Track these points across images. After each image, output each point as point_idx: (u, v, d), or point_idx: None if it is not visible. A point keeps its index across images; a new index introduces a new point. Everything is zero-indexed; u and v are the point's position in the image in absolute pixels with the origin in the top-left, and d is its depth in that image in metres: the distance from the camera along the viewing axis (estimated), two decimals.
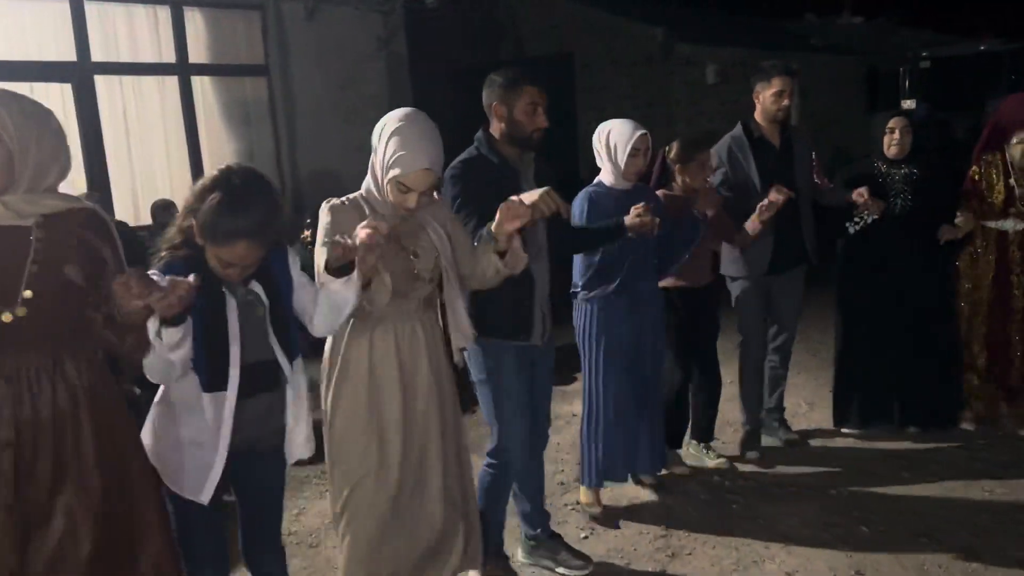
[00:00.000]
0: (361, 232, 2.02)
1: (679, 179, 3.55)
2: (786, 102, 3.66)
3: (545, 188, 2.31)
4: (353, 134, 6.81)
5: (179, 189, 5.79)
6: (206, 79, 6.41)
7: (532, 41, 13.36)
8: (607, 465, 3.40)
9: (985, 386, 4.12)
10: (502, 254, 2.35)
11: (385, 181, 2.26)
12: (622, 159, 3.15)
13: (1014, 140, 3.95)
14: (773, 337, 4.03)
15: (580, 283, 3.29)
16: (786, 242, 3.76)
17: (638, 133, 3.12)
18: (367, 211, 2.30)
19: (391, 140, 2.23)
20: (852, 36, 17.12)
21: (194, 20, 6.28)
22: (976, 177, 4.05)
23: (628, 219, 2.97)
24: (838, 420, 4.24)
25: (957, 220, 3.94)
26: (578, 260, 3.28)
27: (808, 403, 4.71)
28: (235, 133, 6.61)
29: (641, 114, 13.12)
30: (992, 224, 4.03)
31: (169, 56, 6.16)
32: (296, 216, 6.33)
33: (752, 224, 3.57)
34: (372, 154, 2.30)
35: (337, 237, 2.02)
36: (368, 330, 2.35)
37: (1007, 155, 3.99)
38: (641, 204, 2.97)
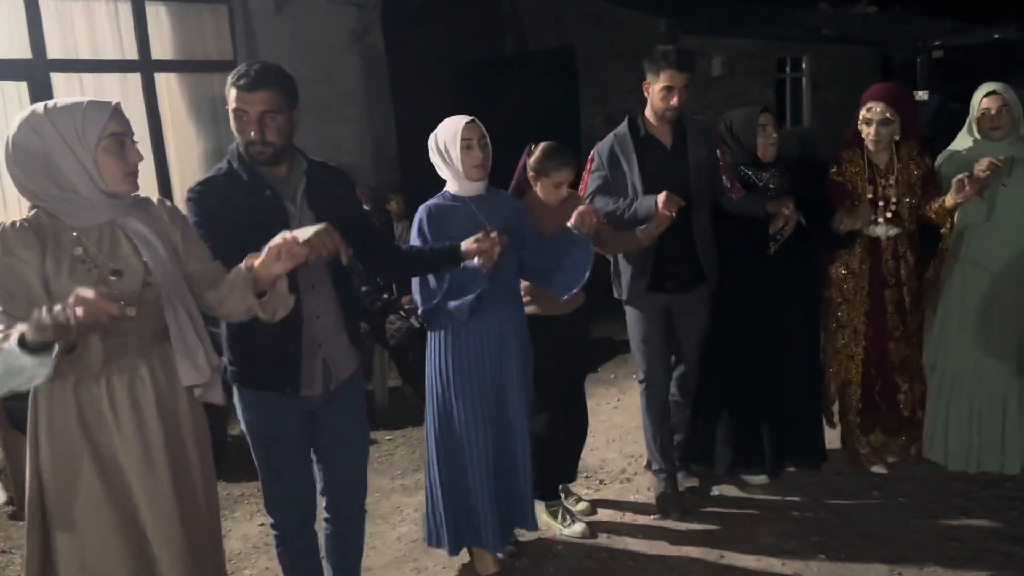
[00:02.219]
0: (80, 309, 1.53)
1: (536, 188, 3.16)
2: (675, 100, 3.11)
3: (322, 225, 1.92)
4: (328, 131, 6.60)
5: (144, 190, 5.57)
6: (171, 76, 6.20)
7: (535, 35, 13.13)
8: (455, 529, 2.93)
9: (863, 416, 3.60)
10: (262, 294, 1.96)
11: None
12: (456, 156, 2.71)
13: (861, 114, 3.40)
14: (674, 367, 3.52)
15: (421, 311, 2.81)
16: (675, 259, 3.24)
17: (464, 121, 2.69)
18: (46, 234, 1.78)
19: None
20: (866, 26, 16.67)
21: (157, 15, 6.08)
22: (838, 178, 3.49)
23: (466, 244, 2.52)
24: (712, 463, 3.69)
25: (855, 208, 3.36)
26: (416, 283, 2.81)
27: None
28: (204, 131, 6.41)
29: (643, 108, 12.83)
30: (864, 230, 3.43)
31: (131, 52, 5.95)
32: None
33: (635, 242, 3.11)
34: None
35: (45, 315, 1.52)
36: (70, 387, 1.81)
37: (865, 149, 3.45)
38: (481, 233, 2.52)
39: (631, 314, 3.40)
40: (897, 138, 3.40)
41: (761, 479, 3.57)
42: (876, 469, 3.62)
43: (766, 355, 3.47)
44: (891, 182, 3.41)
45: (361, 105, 6.92)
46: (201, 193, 2.18)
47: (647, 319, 3.34)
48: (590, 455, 3.93)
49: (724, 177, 3.32)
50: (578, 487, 3.64)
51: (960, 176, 3.19)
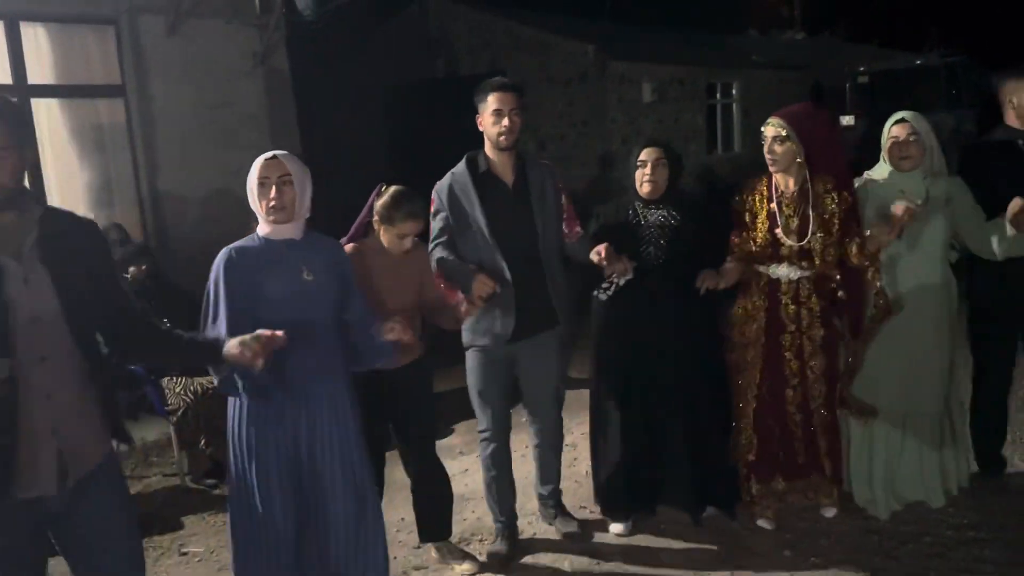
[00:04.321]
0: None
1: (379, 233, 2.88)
2: (507, 123, 2.94)
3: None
4: (229, 158, 6.19)
5: None
6: (51, 102, 5.76)
7: (466, 59, 12.96)
8: None
9: (757, 464, 3.32)
10: None
11: None
12: (254, 196, 2.37)
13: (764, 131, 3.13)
14: (528, 417, 3.32)
15: (215, 378, 2.40)
16: (526, 302, 3.03)
17: (262, 159, 2.36)
18: None
19: None
20: (795, 51, 16.90)
21: (35, 36, 5.63)
22: (739, 208, 3.24)
23: (230, 347, 2.09)
24: (605, 512, 3.47)
25: (725, 265, 3.20)
26: None
27: None
28: (88, 161, 5.95)
29: (577, 132, 12.75)
30: (762, 269, 3.18)
31: (4, 77, 5.51)
32: (156, 251, 5.69)
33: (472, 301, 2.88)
34: None
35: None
36: None
37: (773, 178, 3.17)
38: (248, 336, 2.10)
39: (470, 360, 3.17)
40: (800, 160, 3.08)
41: (619, 527, 3.36)
42: (762, 523, 3.31)
43: (670, 396, 3.23)
44: (798, 214, 3.09)
45: (264, 131, 6.54)
46: None
47: (489, 366, 3.13)
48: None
49: (564, 221, 3.16)
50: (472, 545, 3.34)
51: (877, 223, 3.03)
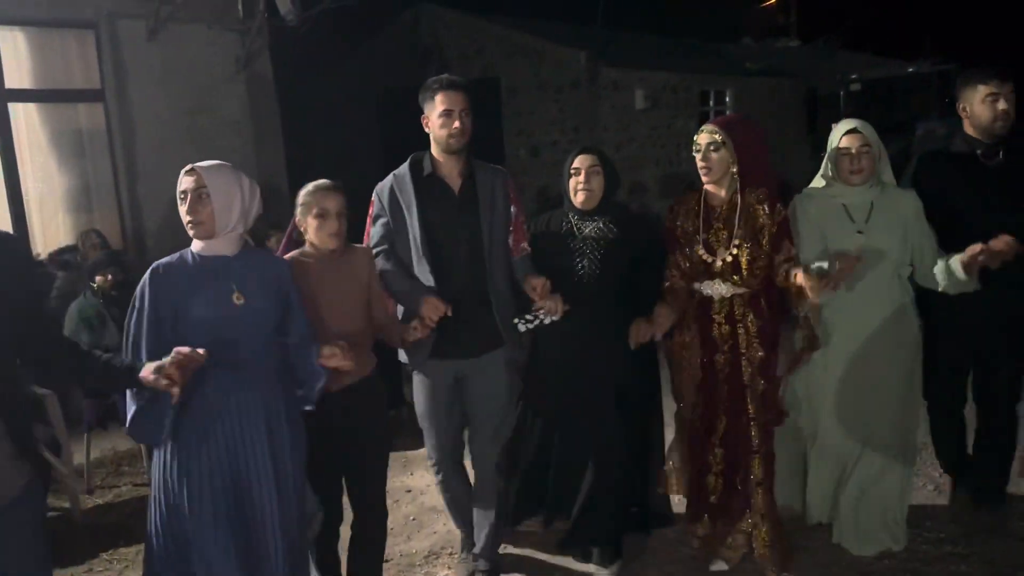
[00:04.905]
0: None
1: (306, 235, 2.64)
2: (457, 124, 2.72)
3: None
4: None
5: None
6: (30, 106, 5.71)
7: (459, 65, 12.90)
8: None
9: (694, 503, 3.10)
10: None
11: None
12: (183, 209, 2.23)
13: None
14: (469, 441, 3.07)
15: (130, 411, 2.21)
16: (466, 321, 2.78)
17: (182, 171, 2.23)
18: None
19: None
20: (790, 59, 16.87)
21: (13, 41, 5.58)
22: (671, 226, 3.01)
23: (146, 372, 2.00)
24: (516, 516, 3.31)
25: (656, 309, 2.89)
26: None
27: None
28: (67, 166, 5.90)
29: (569, 139, 12.69)
30: (695, 286, 2.95)
31: None
32: (133, 258, 5.63)
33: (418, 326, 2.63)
34: None
35: None
36: None
37: (703, 192, 2.95)
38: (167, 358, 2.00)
39: (416, 382, 2.96)
40: (733, 170, 2.86)
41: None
42: (715, 567, 3.07)
43: (597, 426, 3.01)
44: (728, 227, 2.87)
45: (247, 136, 6.49)
46: None
47: (432, 389, 2.91)
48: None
49: (511, 235, 2.90)
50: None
51: (815, 269, 2.64)
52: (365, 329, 2.70)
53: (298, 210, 2.60)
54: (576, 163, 2.96)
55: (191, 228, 2.23)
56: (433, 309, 2.61)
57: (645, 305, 2.92)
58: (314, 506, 2.58)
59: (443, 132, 2.77)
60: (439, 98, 2.75)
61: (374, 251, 2.80)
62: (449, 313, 2.63)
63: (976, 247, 2.69)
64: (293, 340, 2.36)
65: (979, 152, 3.06)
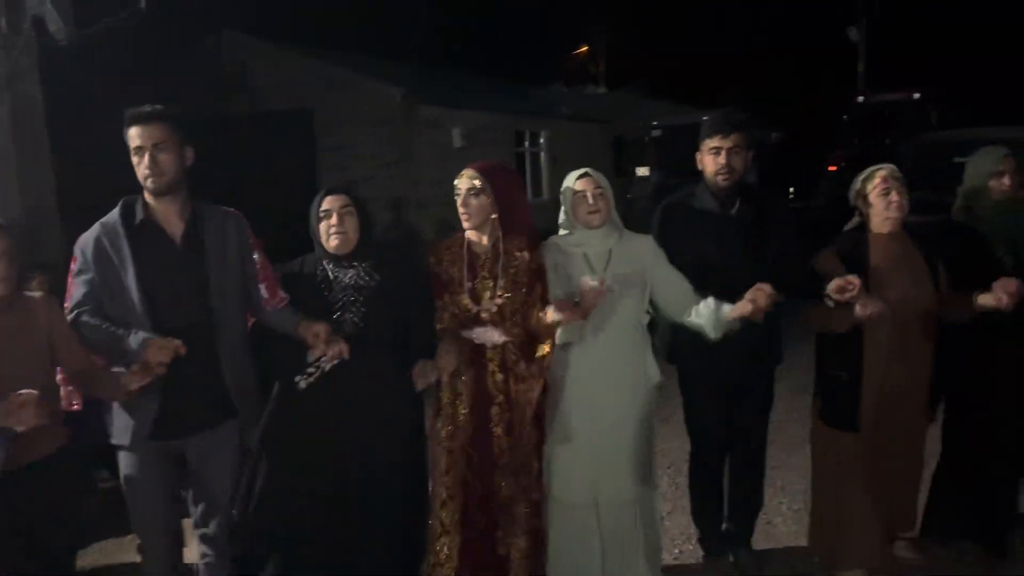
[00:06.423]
0: None
1: None
2: (148, 162, 2.39)
3: None
4: None
5: None
6: None
7: (270, 95, 12.36)
8: None
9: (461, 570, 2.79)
10: None
11: None
12: None
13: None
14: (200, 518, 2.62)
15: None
16: (192, 390, 2.42)
17: None
18: None
19: None
20: (599, 105, 17.73)
21: None
22: (435, 271, 2.81)
23: None
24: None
25: (437, 354, 2.66)
26: None
27: None
28: None
29: (385, 175, 12.49)
30: (465, 334, 2.72)
31: None
32: None
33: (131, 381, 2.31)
34: None
35: None
36: None
37: (467, 237, 2.81)
38: None
39: (124, 461, 2.48)
40: (494, 216, 2.73)
41: None
42: None
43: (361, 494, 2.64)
44: (489, 275, 2.75)
45: (10, 161, 5.77)
46: None
47: (148, 469, 2.47)
48: None
49: (262, 285, 2.56)
50: None
51: (560, 297, 2.63)
52: (48, 387, 2.27)
53: None
54: (325, 204, 2.60)
55: None
56: (160, 351, 2.22)
57: (423, 349, 2.67)
58: None
59: (140, 174, 2.41)
60: (129, 134, 2.40)
61: (74, 312, 2.39)
62: (182, 351, 2.24)
63: (747, 306, 2.63)
64: None
65: (718, 203, 2.97)
